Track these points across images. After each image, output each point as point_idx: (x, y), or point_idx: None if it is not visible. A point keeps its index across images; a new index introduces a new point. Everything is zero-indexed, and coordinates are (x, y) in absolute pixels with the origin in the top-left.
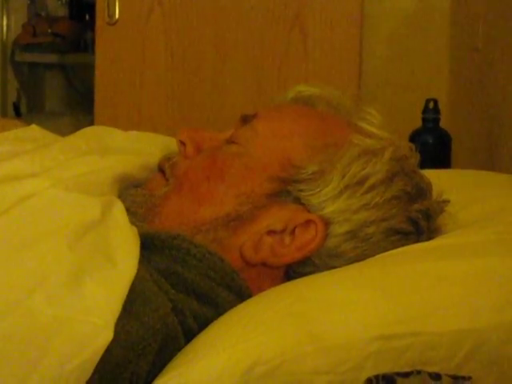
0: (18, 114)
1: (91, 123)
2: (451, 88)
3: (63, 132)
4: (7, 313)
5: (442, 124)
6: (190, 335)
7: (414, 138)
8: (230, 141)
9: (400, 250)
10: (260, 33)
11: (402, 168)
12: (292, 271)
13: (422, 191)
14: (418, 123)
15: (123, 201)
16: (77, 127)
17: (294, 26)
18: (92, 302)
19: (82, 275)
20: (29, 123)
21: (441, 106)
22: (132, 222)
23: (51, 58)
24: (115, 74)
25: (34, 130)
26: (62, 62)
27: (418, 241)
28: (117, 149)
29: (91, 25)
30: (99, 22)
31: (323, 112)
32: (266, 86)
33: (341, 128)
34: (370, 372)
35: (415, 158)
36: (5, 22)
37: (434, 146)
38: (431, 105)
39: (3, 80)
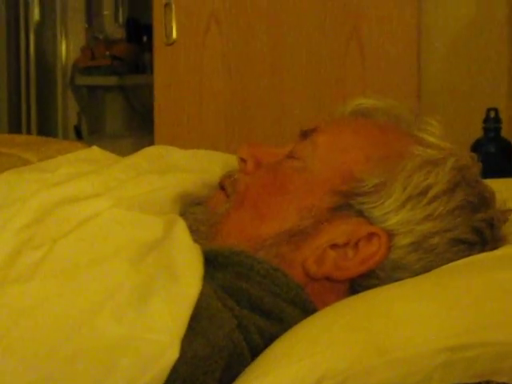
0: (79, 136)
1: (152, 144)
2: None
3: (124, 153)
4: (73, 332)
5: (503, 133)
6: (255, 351)
7: (476, 147)
8: (291, 156)
9: (465, 260)
10: (317, 47)
11: (464, 178)
12: (356, 285)
13: (485, 200)
14: (479, 133)
15: (185, 219)
16: (137, 148)
17: (351, 38)
18: (157, 320)
19: (147, 294)
20: (90, 145)
21: (501, 115)
22: (194, 240)
23: (110, 80)
24: (174, 94)
25: (95, 152)
26: (121, 84)
27: (482, 250)
28: (177, 167)
29: (149, 46)
30: (157, 43)
31: (383, 124)
32: (324, 99)
33: (401, 139)
34: None
35: (477, 168)
36: (63, 47)
37: (495, 155)
38: (492, 114)
39: (64, 103)
